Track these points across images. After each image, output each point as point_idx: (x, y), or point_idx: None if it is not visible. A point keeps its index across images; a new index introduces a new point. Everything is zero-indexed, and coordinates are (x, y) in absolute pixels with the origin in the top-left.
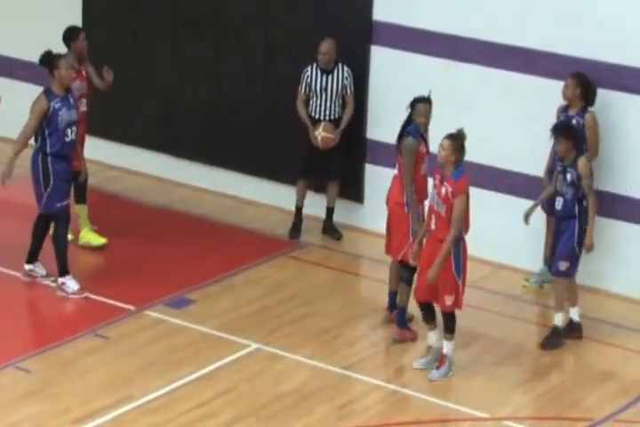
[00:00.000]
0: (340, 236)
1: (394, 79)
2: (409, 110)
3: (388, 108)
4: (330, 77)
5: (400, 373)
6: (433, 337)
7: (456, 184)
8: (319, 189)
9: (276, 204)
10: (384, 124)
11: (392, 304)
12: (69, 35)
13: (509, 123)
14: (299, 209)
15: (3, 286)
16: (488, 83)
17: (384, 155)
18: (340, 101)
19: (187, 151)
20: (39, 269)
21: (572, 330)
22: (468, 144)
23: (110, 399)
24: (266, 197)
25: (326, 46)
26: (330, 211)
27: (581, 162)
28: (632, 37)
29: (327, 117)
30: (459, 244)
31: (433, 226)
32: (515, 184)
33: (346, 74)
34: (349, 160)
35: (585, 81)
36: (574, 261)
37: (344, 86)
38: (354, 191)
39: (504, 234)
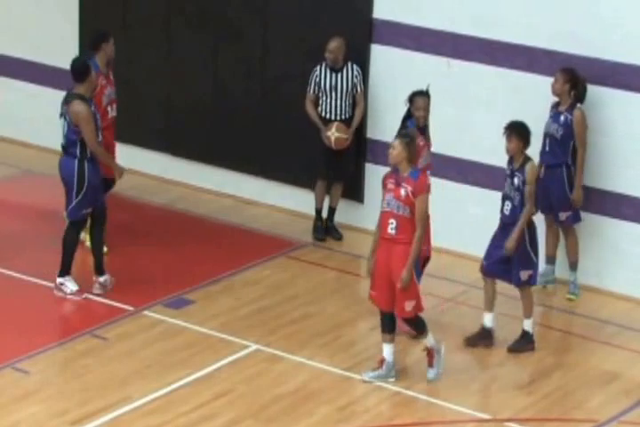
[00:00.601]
0: (341, 236)
1: (394, 78)
2: (407, 104)
3: (389, 107)
4: (339, 76)
5: (401, 374)
6: (387, 350)
7: (416, 183)
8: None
9: (276, 203)
10: (384, 124)
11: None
12: (101, 38)
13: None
14: (319, 211)
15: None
16: (489, 81)
17: (385, 154)
18: (351, 101)
19: (186, 150)
20: (70, 283)
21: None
22: (471, 143)
23: (108, 401)
24: (266, 197)
25: (334, 44)
26: (332, 211)
27: (529, 167)
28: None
29: (338, 117)
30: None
31: (393, 231)
32: None
33: (355, 72)
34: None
35: (574, 76)
36: (534, 267)
37: (354, 85)
38: (354, 191)
39: None
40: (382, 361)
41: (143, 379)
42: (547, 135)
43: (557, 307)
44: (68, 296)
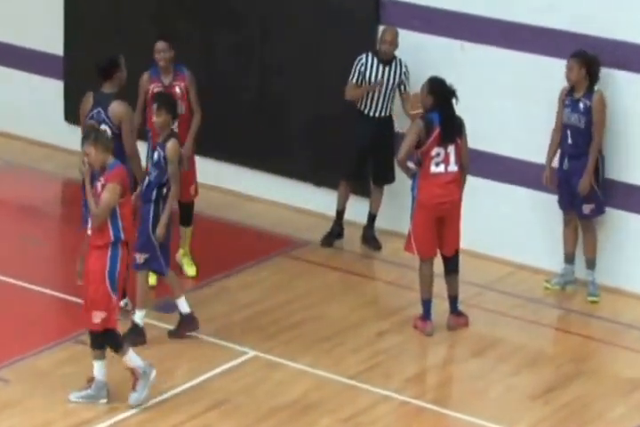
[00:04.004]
0: (380, 247)
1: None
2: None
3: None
4: (387, 69)
5: (410, 382)
6: (98, 368)
7: (109, 175)
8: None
9: (277, 199)
10: (400, 114)
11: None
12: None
13: (530, 109)
14: (340, 213)
15: None
16: (506, 65)
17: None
18: (393, 97)
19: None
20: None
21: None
22: (486, 132)
23: (93, 412)
24: (266, 192)
25: (392, 35)
26: (372, 218)
27: (170, 144)
28: None
29: (378, 113)
30: (116, 250)
31: (89, 231)
32: (537, 176)
33: (404, 68)
34: None
35: (587, 59)
36: (152, 251)
37: (401, 81)
38: (361, 187)
39: (523, 231)
40: (92, 380)
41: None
42: (567, 126)
43: (577, 310)
44: None
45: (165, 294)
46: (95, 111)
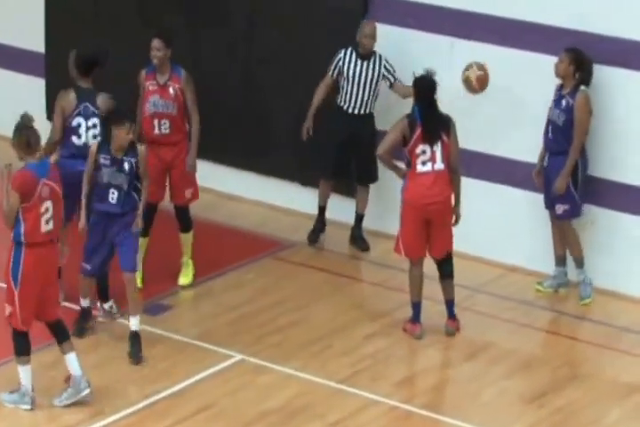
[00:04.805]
0: (367, 247)
1: (393, 59)
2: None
3: (387, 92)
4: (366, 65)
5: (400, 386)
6: (24, 374)
7: (13, 178)
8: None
9: (261, 199)
10: (383, 111)
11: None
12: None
13: (521, 107)
14: (322, 209)
15: None
16: (497, 62)
17: None
18: (374, 93)
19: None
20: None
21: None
22: (475, 131)
23: (78, 416)
24: (250, 192)
25: (371, 28)
26: (359, 218)
27: (142, 147)
28: None
29: (357, 110)
30: (17, 251)
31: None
32: (528, 176)
33: (384, 62)
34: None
35: (579, 57)
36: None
37: (382, 76)
38: (346, 186)
39: (514, 233)
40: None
41: (117, 392)
42: (549, 121)
43: (570, 313)
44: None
45: (150, 295)
46: (82, 107)
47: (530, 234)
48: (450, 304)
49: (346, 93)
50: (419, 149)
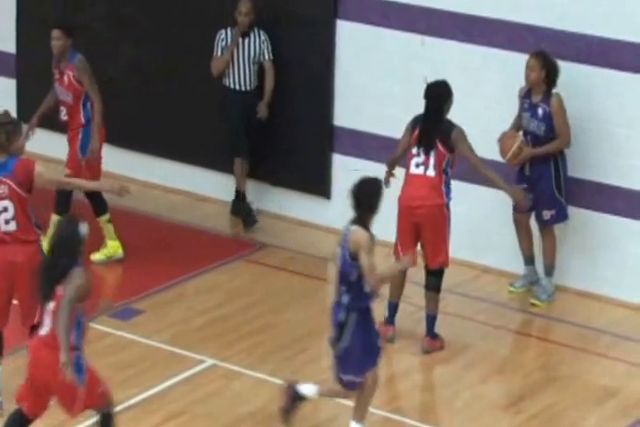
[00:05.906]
0: (255, 221)
1: (362, 57)
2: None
3: (356, 90)
4: (246, 42)
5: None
6: None
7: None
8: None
9: (232, 200)
10: (351, 109)
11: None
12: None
13: (491, 105)
14: (243, 194)
15: None
16: (467, 60)
17: (352, 144)
18: (256, 70)
19: (132, 142)
20: None
21: None
22: None
23: (45, 424)
24: (220, 193)
25: (248, 5)
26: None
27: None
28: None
29: (244, 87)
30: None
31: None
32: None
33: (263, 37)
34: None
35: (548, 61)
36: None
37: (261, 52)
38: (319, 185)
39: (487, 233)
40: None
41: None
42: (527, 132)
43: (545, 314)
44: None
45: (121, 299)
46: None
47: (502, 235)
48: (429, 319)
49: (231, 72)
50: (414, 150)
